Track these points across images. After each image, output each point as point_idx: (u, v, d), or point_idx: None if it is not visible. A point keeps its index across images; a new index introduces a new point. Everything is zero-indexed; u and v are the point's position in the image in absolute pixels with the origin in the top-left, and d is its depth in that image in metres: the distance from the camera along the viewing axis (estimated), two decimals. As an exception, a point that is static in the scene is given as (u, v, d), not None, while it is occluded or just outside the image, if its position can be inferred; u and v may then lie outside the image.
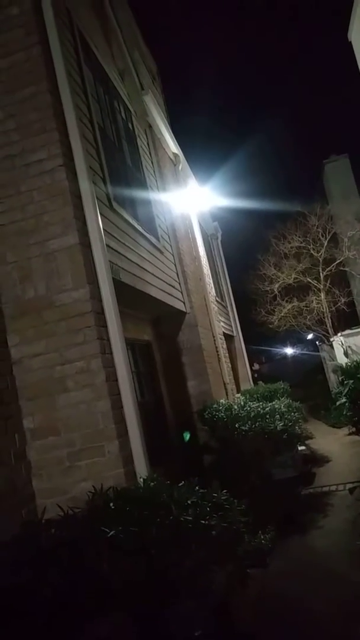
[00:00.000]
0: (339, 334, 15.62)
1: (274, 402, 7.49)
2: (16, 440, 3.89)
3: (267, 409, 6.78)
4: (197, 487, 3.53)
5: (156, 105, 7.84)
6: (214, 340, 9.37)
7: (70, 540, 2.97)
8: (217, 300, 11.35)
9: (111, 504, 3.27)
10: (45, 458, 3.97)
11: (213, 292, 10.91)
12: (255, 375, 17.54)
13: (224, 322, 11.99)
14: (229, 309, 14.08)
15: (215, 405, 6.95)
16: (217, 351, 9.35)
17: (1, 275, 4.16)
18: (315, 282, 16.94)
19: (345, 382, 10.52)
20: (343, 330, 15.78)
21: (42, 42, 4.26)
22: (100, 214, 4.36)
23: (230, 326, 13.66)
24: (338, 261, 16.87)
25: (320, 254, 16.70)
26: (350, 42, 13.73)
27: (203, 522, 3.14)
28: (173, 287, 7.30)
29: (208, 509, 3.29)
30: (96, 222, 4.22)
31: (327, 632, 3.50)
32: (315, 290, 17.02)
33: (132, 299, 5.62)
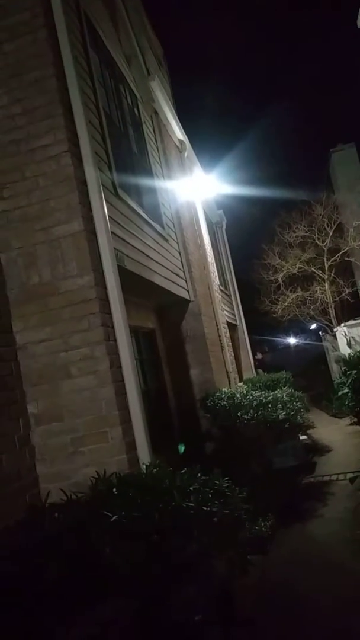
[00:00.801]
0: (343, 325, 15.61)
1: (276, 392, 7.51)
2: (20, 425, 3.92)
3: (270, 398, 6.81)
4: (199, 474, 3.56)
5: (162, 92, 7.77)
6: (218, 329, 9.38)
7: (74, 525, 3.00)
8: (221, 289, 11.33)
9: (114, 490, 3.29)
10: (49, 443, 4.00)
11: (217, 280, 10.89)
12: (256, 364, 17.52)
13: (227, 311, 11.98)
14: (232, 297, 14.07)
15: (217, 394, 6.97)
16: (220, 340, 9.36)
17: (6, 262, 4.16)
18: (320, 272, 16.87)
19: (348, 372, 10.55)
20: (346, 320, 15.76)
21: (49, 25, 4.21)
22: (106, 200, 4.34)
23: (234, 315, 13.66)
24: (343, 251, 16.78)
25: (325, 243, 16.61)
26: (359, 30, 13.53)
27: (205, 508, 3.16)
28: (177, 275, 7.29)
29: (210, 495, 3.31)
30: (101, 209, 4.20)
31: (326, 619, 3.54)
32: (320, 280, 16.95)
33: (136, 286, 5.61)
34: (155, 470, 3.65)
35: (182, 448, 6.66)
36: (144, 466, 3.88)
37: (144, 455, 4.05)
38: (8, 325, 4.08)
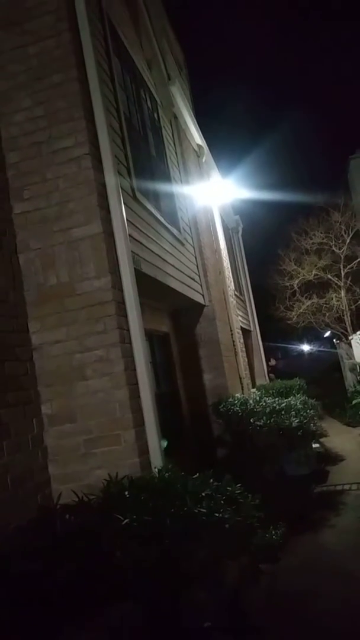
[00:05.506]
0: (358, 333, 15.47)
1: (289, 399, 7.47)
2: (34, 425, 3.93)
3: (283, 405, 6.77)
4: (211, 480, 3.54)
5: (182, 96, 7.79)
6: (232, 334, 9.34)
7: (85, 527, 3.00)
8: (235, 294, 11.30)
9: (126, 493, 3.29)
10: (62, 444, 4.01)
11: (232, 285, 10.86)
12: (270, 370, 17.37)
13: (241, 316, 11.94)
14: (247, 303, 14.02)
15: (230, 399, 6.94)
16: (234, 345, 9.32)
17: (24, 262, 4.19)
18: (336, 279, 16.76)
19: (363, 381, 10.46)
20: (362, 329, 15.63)
21: (72, 29, 4.25)
22: (124, 203, 4.35)
23: (248, 321, 13.61)
24: (360, 259, 16.67)
25: (342, 250, 16.51)
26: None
27: (217, 514, 3.14)
28: (193, 279, 7.29)
29: (222, 502, 3.29)
30: (120, 212, 4.21)
31: (336, 628, 3.50)
32: (336, 287, 16.84)
33: (152, 289, 5.62)
34: (167, 474, 3.64)
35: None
36: (156, 470, 3.87)
37: (156, 459, 4.04)
38: (24, 325, 4.11)
